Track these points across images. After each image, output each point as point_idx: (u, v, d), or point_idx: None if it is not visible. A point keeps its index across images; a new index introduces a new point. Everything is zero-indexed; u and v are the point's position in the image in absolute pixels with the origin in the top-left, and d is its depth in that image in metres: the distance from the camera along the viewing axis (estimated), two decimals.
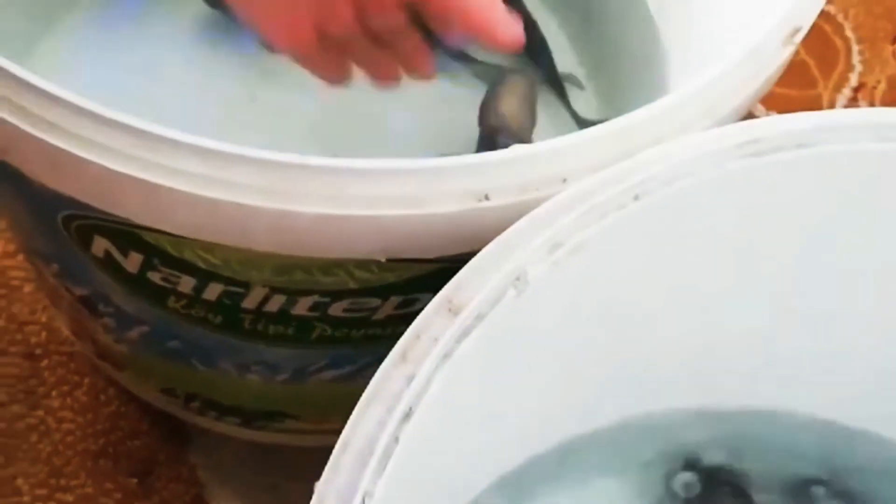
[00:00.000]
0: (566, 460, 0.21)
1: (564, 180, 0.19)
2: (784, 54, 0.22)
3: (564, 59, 0.36)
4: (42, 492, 0.31)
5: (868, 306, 0.22)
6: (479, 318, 0.17)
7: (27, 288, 0.34)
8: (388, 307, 0.24)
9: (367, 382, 0.26)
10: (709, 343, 0.21)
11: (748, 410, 0.23)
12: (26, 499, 0.31)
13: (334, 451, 0.16)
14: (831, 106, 0.44)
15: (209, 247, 0.21)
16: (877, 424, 0.25)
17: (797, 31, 0.22)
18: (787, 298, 0.21)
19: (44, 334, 0.33)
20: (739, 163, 0.19)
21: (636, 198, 0.18)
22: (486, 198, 0.19)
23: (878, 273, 0.21)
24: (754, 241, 0.20)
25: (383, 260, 0.21)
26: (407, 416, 0.16)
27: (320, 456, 0.33)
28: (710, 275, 0.20)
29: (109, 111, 0.18)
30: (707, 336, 0.21)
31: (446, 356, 0.16)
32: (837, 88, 0.45)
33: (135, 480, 0.32)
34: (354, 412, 0.16)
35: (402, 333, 0.17)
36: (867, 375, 0.24)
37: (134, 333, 0.27)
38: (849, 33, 0.47)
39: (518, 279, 0.17)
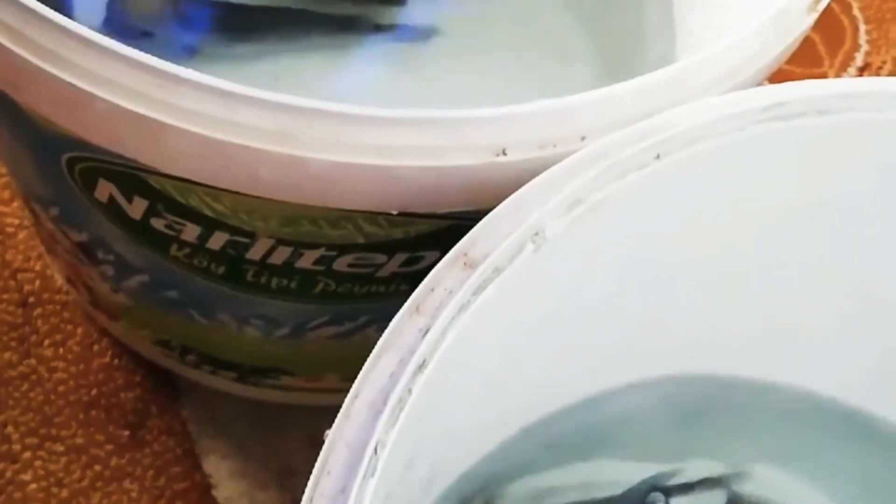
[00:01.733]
0: (586, 417, 0.21)
1: (583, 138, 0.19)
2: (808, 21, 0.22)
3: (557, 20, 0.35)
4: (33, 440, 0.31)
5: (884, 277, 0.21)
6: (497, 271, 0.16)
7: (21, 235, 0.34)
8: (394, 264, 0.23)
9: (365, 340, 0.25)
10: (728, 309, 0.21)
11: (760, 381, 0.23)
12: (16, 447, 0.31)
13: (345, 402, 0.16)
14: None
15: (216, 193, 0.21)
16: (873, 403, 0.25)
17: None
18: (804, 265, 0.21)
19: (38, 282, 0.33)
20: (763, 126, 0.18)
21: (657, 157, 0.18)
22: (504, 152, 0.19)
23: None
24: (776, 207, 0.20)
25: (394, 213, 0.20)
26: (421, 367, 0.16)
27: (312, 412, 0.33)
28: (730, 238, 0.20)
29: (121, 46, 0.18)
30: (727, 302, 0.21)
31: (462, 309, 0.16)
32: (843, 67, 0.45)
33: (126, 432, 0.31)
34: (367, 363, 0.16)
35: (404, 292, 0.17)
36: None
37: (132, 282, 0.26)
38: (856, 13, 0.46)
39: (536, 234, 0.17)
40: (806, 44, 0.46)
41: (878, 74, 0.45)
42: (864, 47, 0.45)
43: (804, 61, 0.44)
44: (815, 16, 0.22)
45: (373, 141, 0.18)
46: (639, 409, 0.22)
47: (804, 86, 0.19)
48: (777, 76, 0.40)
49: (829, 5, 0.49)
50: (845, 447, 0.25)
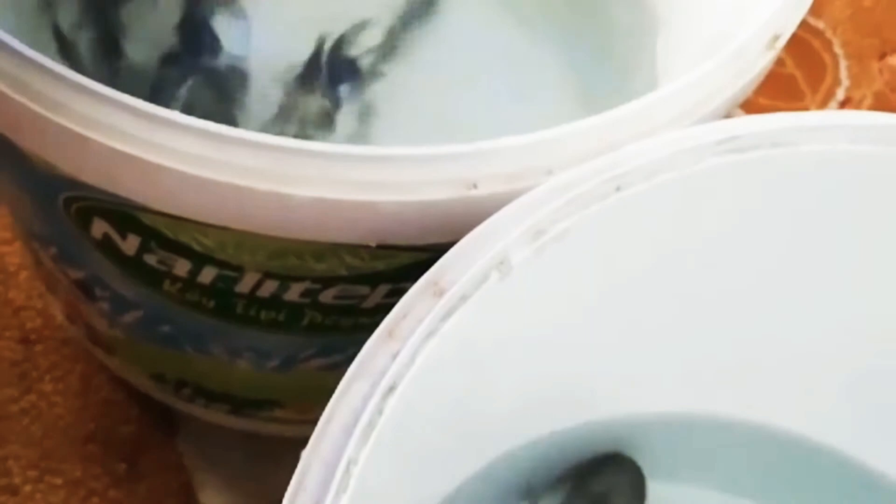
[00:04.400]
0: (557, 449, 0.22)
1: (550, 171, 0.20)
2: (768, 57, 0.23)
3: (538, 31, 0.35)
4: (32, 473, 0.32)
5: (839, 307, 0.22)
6: (463, 298, 0.17)
7: (23, 274, 0.35)
8: (377, 296, 0.24)
9: None
10: (690, 340, 0.22)
11: (732, 418, 0.24)
12: (17, 480, 0.31)
13: (319, 423, 0.16)
14: None
15: (204, 229, 0.22)
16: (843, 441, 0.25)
17: (777, 37, 0.23)
18: (763, 296, 0.22)
19: (39, 320, 0.34)
20: (718, 159, 0.19)
21: (618, 189, 0.19)
22: (475, 186, 0.20)
23: (849, 273, 0.22)
24: (732, 237, 0.21)
25: (374, 245, 0.21)
26: (391, 389, 0.16)
27: (305, 445, 0.33)
28: (691, 268, 0.21)
29: (113, 91, 0.19)
30: (687, 333, 0.22)
31: (431, 334, 0.17)
32: (825, 102, 0.46)
33: (123, 466, 0.32)
34: (340, 386, 0.17)
35: None
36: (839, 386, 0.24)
37: (128, 318, 0.27)
38: (837, 49, 0.48)
39: (502, 263, 0.18)
40: (788, 80, 0.47)
41: (859, 108, 0.46)
42: (846, 82, 0.46)
43: (787, 96, 0.45)
44: (774, 53, 0.23)
45: (352, 177, 0.19)
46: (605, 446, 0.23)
47: (758, 120, 0.20)
48: (761, 111, 0.41)
49: (810, 42, 0.50)
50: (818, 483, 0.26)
